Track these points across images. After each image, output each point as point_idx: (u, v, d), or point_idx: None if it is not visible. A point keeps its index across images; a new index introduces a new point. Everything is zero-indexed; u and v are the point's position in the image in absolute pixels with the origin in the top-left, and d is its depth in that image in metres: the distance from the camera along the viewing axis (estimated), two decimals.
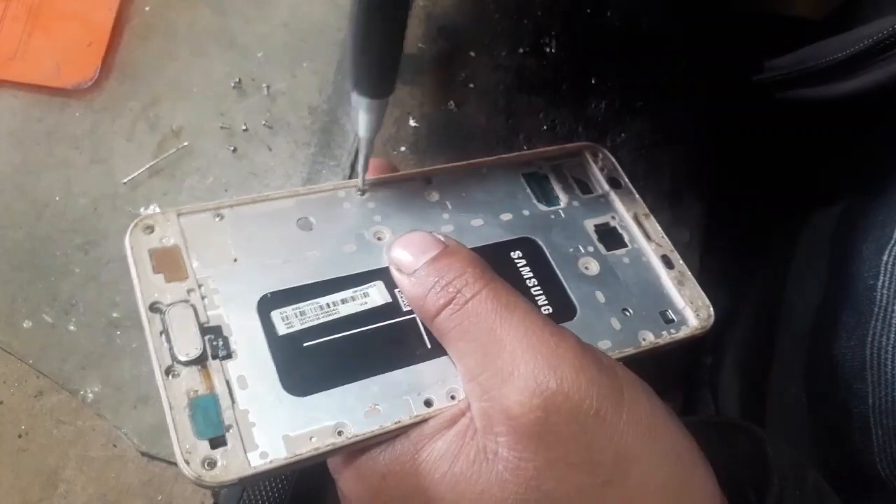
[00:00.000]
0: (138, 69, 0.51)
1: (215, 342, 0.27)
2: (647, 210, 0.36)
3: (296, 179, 0.50)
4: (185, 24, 0.53)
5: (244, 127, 0.51)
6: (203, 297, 0.28)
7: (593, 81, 0.56)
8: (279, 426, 0.26)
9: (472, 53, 0.55)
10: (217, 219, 0.30)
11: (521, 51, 0.56)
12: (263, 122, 0.51)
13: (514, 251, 0.33)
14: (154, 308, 0.27)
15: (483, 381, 0.26)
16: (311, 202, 0.32)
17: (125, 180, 0.48)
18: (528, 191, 0.35)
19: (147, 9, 0.53)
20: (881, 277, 0.36)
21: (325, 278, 0.30)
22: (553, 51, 0.56)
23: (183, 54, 0.52)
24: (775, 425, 0.44)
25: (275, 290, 0.29)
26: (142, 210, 0.47)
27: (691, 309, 0.34)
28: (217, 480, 0.24)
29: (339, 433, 0.26)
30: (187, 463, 0.24)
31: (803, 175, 0.52)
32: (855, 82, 0.41)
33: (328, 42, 0.54)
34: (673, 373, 0.34)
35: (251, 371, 0.27)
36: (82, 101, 0.50)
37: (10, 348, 0.44)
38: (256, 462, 0.25)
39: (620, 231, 0.36)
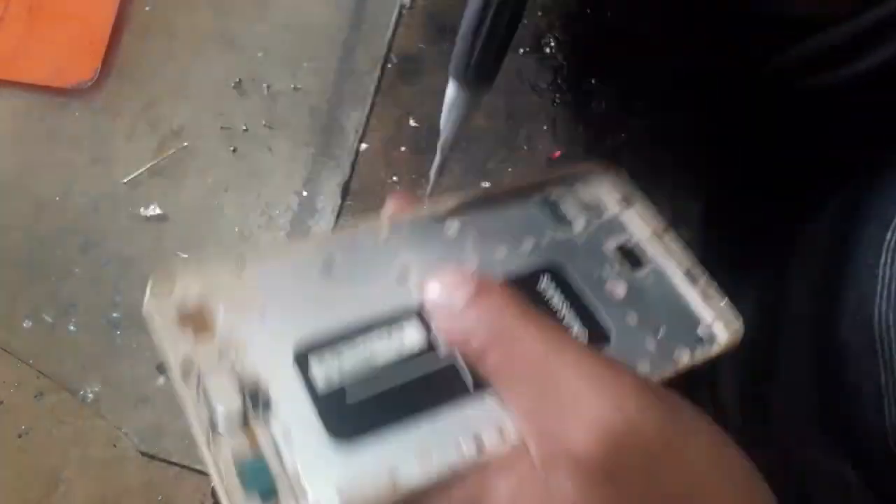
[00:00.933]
0: (138, 69, 0.51)
1: (255, 398, 0.26)
2: (665, 225, 0.36)
3: (296, 179, 0.50)
4: (185, 25, 0.53)
5: (244, 127, 0.51)
6: (236, 353, 0.27)
7: (593, 81, 0.56)
8: (331, 479, 0.25)
9: None
10: (241, 267, 0.30)
11: (521, 51, 0.56)
12: (263, 123, 0.51)
13: (540, 281, 0.32)
14: (187, 371, 0.26)
15: (541, 423, 0.25)
16: (334, 244, 0.31)
17: (125, 180, 0.48)
18: (546, 216, 0.35)
19: (147, 9, 0.53)
20: (883, 256, 0.36)
21: (357, 321, 0.29)
22: (553, 51, 0.56)
23: (183, 54, 0.52)
24: (782, 411, 0.44)
25: (308, 336, 0.28)
26: (142, 210, 0.47)
27: (721, 323, 0.33)
28: None
29: (393, 482, 0.25)
30: None
31: (803, 165, 0.52)
32: (864, 63, 0.40)
33: (328, 42, 0.54)
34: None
35: (295, 424, 0.26)
36: (82, 101, 0.50)
37: (10, 348, 0.44)
38: None
39: (641, 249, 0.35)
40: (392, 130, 0.52)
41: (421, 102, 0.53)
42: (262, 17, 0.54)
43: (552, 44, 0.56)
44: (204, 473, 0.43)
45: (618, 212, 0.37)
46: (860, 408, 0.37)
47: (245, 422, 0.26)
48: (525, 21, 0.56)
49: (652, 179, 0.54)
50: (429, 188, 0.32)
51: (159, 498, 0.42)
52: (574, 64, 0.56)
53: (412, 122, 0.53)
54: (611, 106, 0.55)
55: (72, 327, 0.45)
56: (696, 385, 0.55)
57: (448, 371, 0.28)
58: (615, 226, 0.36)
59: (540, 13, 0.57)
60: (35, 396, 0.43)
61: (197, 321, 0.28)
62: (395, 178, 0.51)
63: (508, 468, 0.26)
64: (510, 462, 0.26)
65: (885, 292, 0.36)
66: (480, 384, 0.28)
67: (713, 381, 0.53)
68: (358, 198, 0.50)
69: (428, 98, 0.53)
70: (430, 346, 0.29)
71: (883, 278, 0.36)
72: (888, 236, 0.36)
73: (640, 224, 0.36)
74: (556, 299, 0.32)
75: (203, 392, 0.26)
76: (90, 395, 0.43)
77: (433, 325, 0.29)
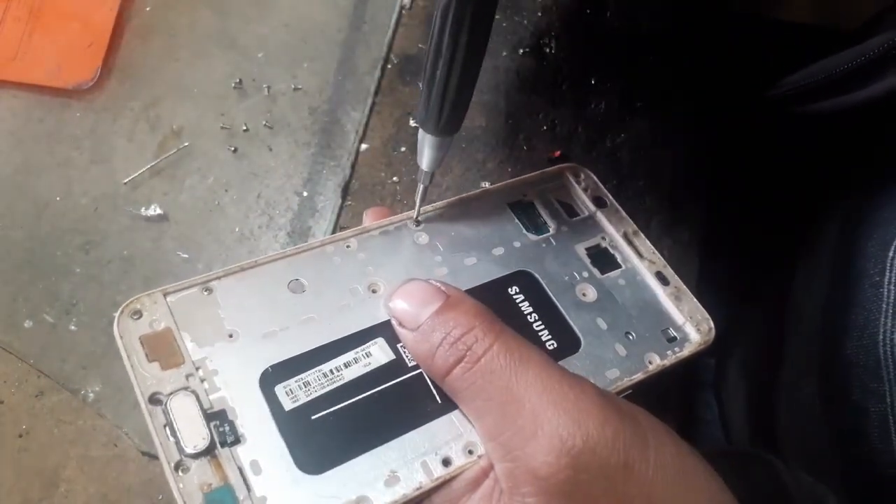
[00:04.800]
0: (139, 69, 0.51)
1: (222, 428, 0.26)
2: (635, 227, 0.36)
3: (296, 179, 0.50)
4: (185, 25, 0.53)
5: (245, 127, 0.51)
6: (203, 381, 0.27)
7: (593, 82, 0.56)
8: None
9: None
10: (206, 293, 0.29)
11: (521, 51, 0.56)
12: (264, 123, 0.51)
13: (511, 286, 0.32)
14: (154, 400, 0.26)
15: (505, 441, 0.25)
16: (299, 262, 0.31)
17: (126, 180, 0.48)
18: (517, 221, 0.35)
19: (148, 9, 0.53)
20: (887, 274, 0.36)
21: (324, 342, 0.29)
22: (553, 51, 0.56)
23: (183, 55, 0.52)
24: (788, 428, 0.44)
25: (275, 362, 0.28)
26: (142, 210, 0.47)
27: (692, 324, 0.33)
28: None
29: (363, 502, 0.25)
30: None
31: (805, 176, 0.52)
32: (867, 91, 0.41)
33: (328, 42, 0.54)
34: (670, 374, 0.34)
35: (262, 454, 0.26)
36: (83, 102, 0.50)
37: (11, 348, 0.44)
38: None
39: (612, 252, 0.35)
40: (392, 130, 0.52)
41: None
42: (262, 17, 0.54)
43: (552, 44, 0.56)
44: None
45: (588, 213, 0.36)
46: (866, 427, 0.37)
47: (212, 450, 0.25)
48: (525, 21, 0.56)
49: (652, 179, 0.55)
50: (415, 212, 0.33)
51: (160, 497, 0.42)
52: (574, 64, 0.56)
53: (412, 123, 0.53)
54: (611, 106, 0.55)
55: (73, 327, 0.45)
56: (701, 388, 0.55)
57: (416, 388, 0.28)
58: (586, 228, 0.36)
59: (540, 13, 0.57)
60: (35, 396, 0.43)
61: (164, 348, 0.28)
62: (395, 179, 0.51)
63: (474, 487, 0.26)
64: (476, 481, 0.26)
65: (890, 310, 0.35)
66: (448, 401, 0.28)
67: (720, 396, 0.53)
68: (358, 198, 0.50)
69: None
70: (399, 366, 0.29)
71: (888, 297, 0.36)
72: (891, 255, 0.36)
73: (610, 226, 0.36)
74: (527, 304, 0.32)
75: (170, 423, 0.26)
76: (91, 395, 0.43)
77: (400, 339, 0.29)
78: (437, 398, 0.28)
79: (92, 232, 0.47)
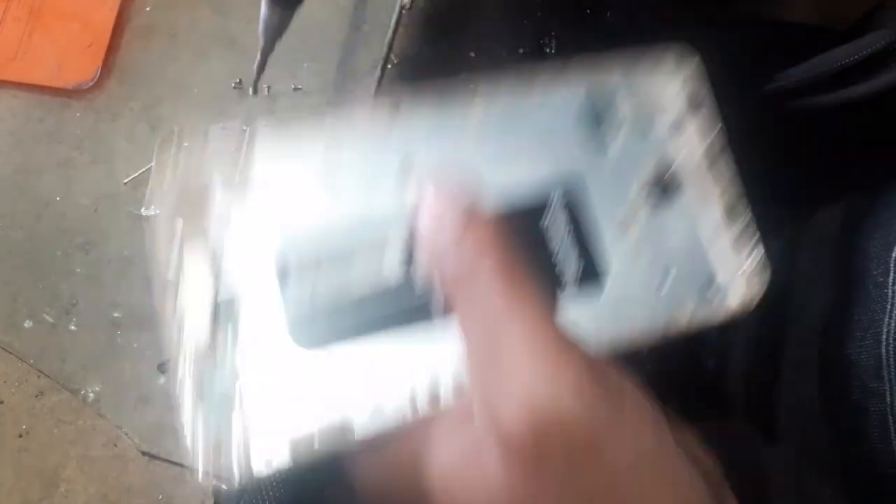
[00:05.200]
0: (139, 70, 0.51)
1: (229, 305, 0.26)
2: (722, 147, 0.31)
3: None
4: (185, 25, 0.53)
5: (244, 127, 0.51)
6: (222, 247, 0.27)
7: None
8: (282, 413, 0.25)
9: (472, 53, 0.55)
10: (247, 145, 0.29)
11: (521, 51, 0.56)
12: (264, 123, 0.51)
13: (554, 193, 0.29)
14: (174, 277, 0.26)
15: (483, 386, 0.24)
16: (341, 124, 0.29)
17: (126, 180, 0.48)
18: (584, 121, 0.31)
19: (148, 9, 0.53)
20: (891, 274, 0.36)
21: (348, 225, 0.28)
22: (553, 51, 0.56)
23: (184, 55, 0.52)
24: (788, 427, 0.44)
25: (294, 245, 0.27)
26: (142, 210, 0.47)
27: (740, 283, 0.29)
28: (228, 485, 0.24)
29: (343, 427, 0.25)
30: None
31: (805, 175, 0.52)
32: (866, 86, 0.40)
33: (328, 42, 0.54)
34: (667, 372, 0.34)
35: (260, 338, 0.26)
36: (83, 102, 0.50)
37: (11, 348, 0.44)
38: (260, 468, 0.24)
39: (681, 174, 0.31)
40: None
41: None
42: None
43: (552, 44, 0.56)
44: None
45: (674, 118, 0.31)
46: (866, 427, 0.37)
47: (213, 332, 0.26)
48: (525, 21, 0.56)
49: None
50: (254, 81, 0.31)
51: (160, 497, 0.42)
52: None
53: None
54: None
55: (72, 327, 0.45)
56: (707, 392, 0.55)
57: (420, 307, 0.27)
58: (662, 138, 0.31)
59: (540, 13, 0.57)
60: (35, 396, 0.43)
61: (195, 203, 0.27)
62: None
63: (454, 430, 0.25)
64: (458, 421, 0.25)
65: (894, 311, 0.35)
66: (447, 327, 0.27)
67: (723, 389, 0.53)
68: None
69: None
70: (410, 277, 0.27)
71: (892, 298, 0.35)
72: (894, 255, 0.36)
73: (693, 138, 0.31)
74: (561, 221, 0.29)
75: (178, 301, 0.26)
76: (91, 395, 0.43)
77: (417, 244, 0.27)
78: (437, 322, 0.27)
79: (92, 232, 0.47)
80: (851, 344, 0.38)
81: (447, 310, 0.27)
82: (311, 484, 0.38)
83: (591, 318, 0.28)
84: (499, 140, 0.30)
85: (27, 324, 0.44)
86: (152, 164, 0.49)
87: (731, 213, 0.30)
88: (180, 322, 0.26)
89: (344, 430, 0.25)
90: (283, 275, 0.27)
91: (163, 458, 0.43)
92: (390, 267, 0.28)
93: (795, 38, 0.46)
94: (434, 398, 0.26)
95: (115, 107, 0.50)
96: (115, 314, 0.45)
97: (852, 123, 0.47)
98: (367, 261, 0.28)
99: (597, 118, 0.31)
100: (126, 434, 0.43)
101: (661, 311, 0.28)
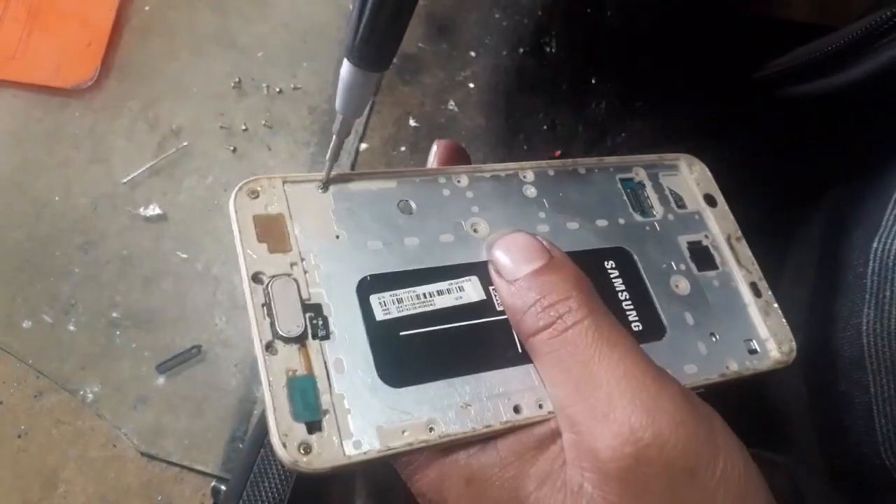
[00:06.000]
0: (138, 69, 0.51)
1: (316, 321, 0.26)
2: (739, 233, 0.35)
3: None
4: (184, 24, 0.53)
5: (244, 127, 0.51)
6: (305, 272, 0.27)
7: (593, 81, 0.56)
8: (373, 417, 0.25)
9: (472, 53, 0.55)
10: (321, 190, 0.30)
11: (521, 51, 0.56)
12: (263, 122, 0.51)
13: (607, 260, 0.32)
14: (257, 279, 0.26)
15: (573, 415, 0.25)
16: (411, 185, 0.31)
17: (125, 180, 0.48)
18: (625, 198, 0.35)
19: (147, 9, 0.53)
20: (870, 264, 0.36)
21: (422, 266, 0.29)
22: (553, 51, 0.56)
23: (183, 54, 0.52)
24: (776, 422, 0.44)
25: (374, 272, 0.28)
26: (141, 210, 0.47)
27: (774, 341, 0.33)
28: (311, 467, 0.24)
29: (431, 430, 0.26)
30: (284, 446, 0.24)
31: (792, 166, 0.53)
32: (847, 74, 0.41)
33: (328, 42, 0.54)
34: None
35: (348, 355, 0.26)
36: (82, 101, 0.50)
37: (10, 348, 0.44)
38: (351, 452, 0.25)
39: (713, 252, 0.35)
40: (392, 130, 0.52)
41: (421, 102, 0.53)
42: (262, 17, 0.54)
43: (552, 43, 0.56)
44: (204, 473, 0.43)
45: (698, 209, 0.36)
46: (851, 418, 0.37)
47: (303, 339, 0.26)
48: (525, 21, 0.56)
49: None
50: (324, 174, 0.30)
51: (159, 498, 0.42)
52: (574, 64, 0.56)
53: (412, 122, 0.52)
54: (611, 106, 0.55)
55: (71, 327, 0.45)
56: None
57: (500, 333, 0.28)
58: (692, 222, 0.35)
59: (540, 13, 0.57)
60: (35, 396, 0.43)
61: (275, 233, 0.28)
62: None
63: (540, 447, 0.26)
64: (542, 442, 0.26)
65: (872, 300, 0.35)
66: (524, 356, 0.28)
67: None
68: None
69: (428, 98, 0.53)
70: (488, 307, 0.29)
71: (871, 287, 0.36)
72: (875, 245, 0.36)
73: (716, 226, 0.35)
74: (620, 282, 0.32)
75: (269, 304, 0.26)
76: (90, 395, 0.43)
77: (494, 285, 0.29)
78: (518, 348, 0.28)
79: (91, 232, 0.47)
80: (835, 335, 0.38)
81: (528, 353, 0.28)
82: (311, 484, 0.38)
83: None
84: (552, 211, 0.33)
85: (26, 324, 0.44)
86: (152, 163, 0.49)
87: (756, 287, 0.34)
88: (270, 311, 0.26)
89: (432, 424, 0.26)
90: (365, 300, 0.28)
91: (162, 458, 0.43)
92: (468, 299, 0.29)
93: (794, 39, 0.46)
94: (518, 412, 0.27)
95: (114, 106, 0.50)
96: (114, 314, 0.45)
97: (829, 113, 0.47)
98: (446, 296, 0.29)
99: (636, 192, 0.35)
100: (125, 434, 0.43)
101: (707, 369, 0.31)
